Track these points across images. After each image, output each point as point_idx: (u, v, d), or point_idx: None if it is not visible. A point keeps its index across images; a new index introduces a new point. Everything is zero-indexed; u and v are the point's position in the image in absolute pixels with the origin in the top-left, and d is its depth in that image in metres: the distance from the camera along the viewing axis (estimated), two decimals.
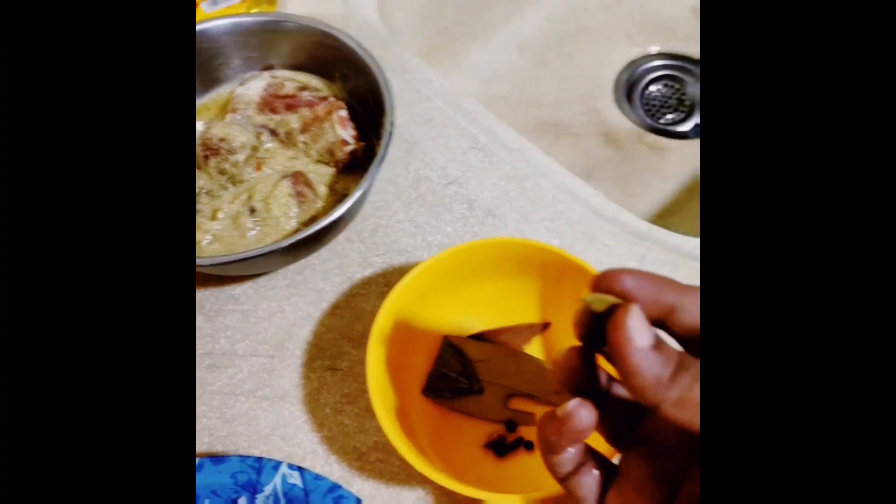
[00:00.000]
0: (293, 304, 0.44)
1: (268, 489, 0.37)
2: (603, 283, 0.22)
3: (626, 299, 0.22)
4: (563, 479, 0.25)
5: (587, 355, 0.24)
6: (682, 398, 0.21)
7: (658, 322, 0.22)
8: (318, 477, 0.37)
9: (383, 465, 0.39)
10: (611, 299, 0.21)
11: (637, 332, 0.21)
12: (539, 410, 0.39)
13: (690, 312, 0.22)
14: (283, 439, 0.40)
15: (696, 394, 0.21)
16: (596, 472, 0.25)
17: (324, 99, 0.44)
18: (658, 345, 0.21)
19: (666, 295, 0.22)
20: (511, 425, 0.38)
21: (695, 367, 0.21)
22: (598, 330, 0.22)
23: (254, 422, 0.41)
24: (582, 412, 0.22)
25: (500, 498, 0.33)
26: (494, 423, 0.39)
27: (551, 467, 0.25)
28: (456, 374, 0.39)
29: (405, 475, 0.39)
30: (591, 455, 0.25)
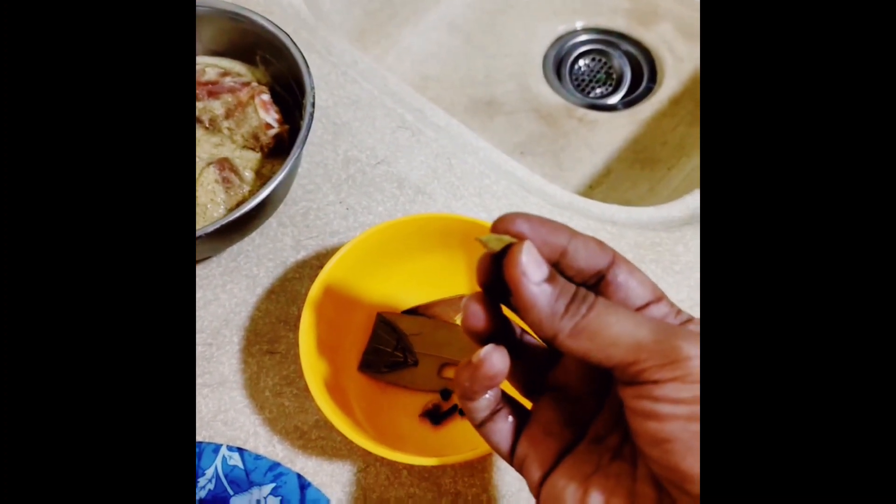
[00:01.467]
0: (228, 291, 0.45)
1: (209, 472, 0.37)
2: (499, 225, 0.23)
3: (521, 239, 0.23)
4: (480, 426, 0.26)
5: (491, 301, 0.24)
6: (576, 327, 0.22)
7: (553, 265, 0.24)
8: (258, 457, 0.38)
9: (325, 441, 0.40)
10: (507, 239, 0.22)
11: (530, 266, 0.22)
12: None
13: (581, 254, 0.23)
14: (224, 424, 0.41)
15: (588, 322, 0.22)
16: (511, 419, 0.26)
17: (246, 84, 0.44)
18: (552, 278, 0.22)
19: (558, 237, 0.23)
20: (445, 394, 0.40)
21: (589, 298, 0.22)
22: (497, 274, 0.23)
23: (195, 409, 0.41)
24: (494, 357, 0.24)
25: (437, 463, 0.34)
26: (430, 392, 0.40)
27: (469, 413, 0.26)
28: (391, 348, 0.40)
29: (347, 450, 0.40)
30: (507, 402, 0.26)
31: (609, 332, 0.21)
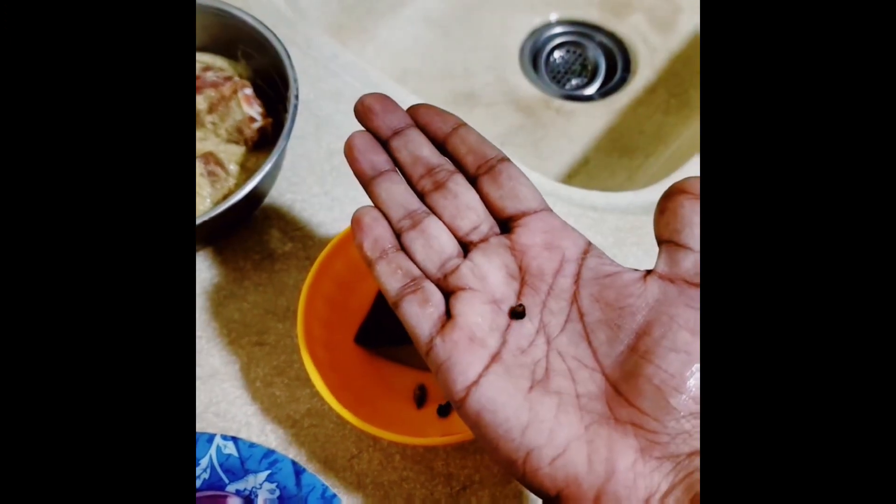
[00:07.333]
0: (216, 284, 0.45)
1: (203, 462, 0.38)
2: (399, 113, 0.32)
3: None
4: (396, 300, 0.29)
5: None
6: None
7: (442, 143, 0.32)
8: (252, 445, 0.38)
9: (317, 429, 0.41)
10: None
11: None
12: None
13: (471, 139, 0.32)
14: (216, 416, 0.41)
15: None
16: (430, 302, 0.28)
17: (228, 79, 0.44)
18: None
19: (446, 123, 0.33)
20: (443, 410, 0.40)
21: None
22: None
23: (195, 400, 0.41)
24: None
25: (432, 443, 0.35)
26: (422, 371, 0.41)
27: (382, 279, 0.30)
28: (392, 324, 0.41)
29: (339, 437, 0.41)
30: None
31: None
